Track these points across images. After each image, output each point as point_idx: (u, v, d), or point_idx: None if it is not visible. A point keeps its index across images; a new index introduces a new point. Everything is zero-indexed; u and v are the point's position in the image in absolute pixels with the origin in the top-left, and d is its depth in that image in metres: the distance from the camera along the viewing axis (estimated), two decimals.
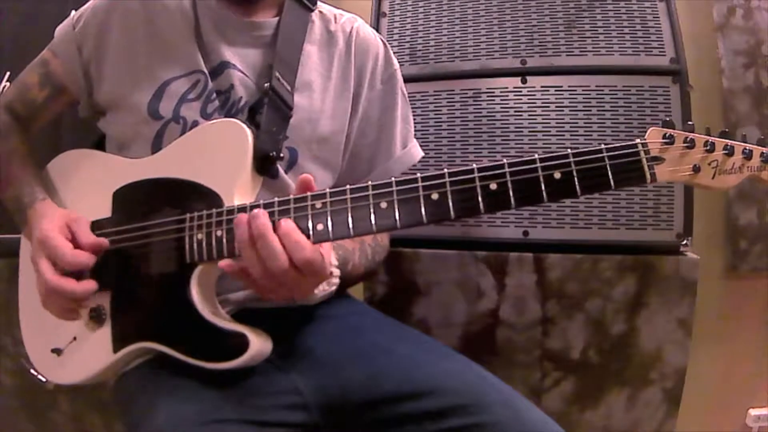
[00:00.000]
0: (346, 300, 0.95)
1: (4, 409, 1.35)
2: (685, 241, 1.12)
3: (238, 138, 0.75)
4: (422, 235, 1.19)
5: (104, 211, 0.80)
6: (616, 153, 0.61)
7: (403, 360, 0.78)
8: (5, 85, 1.26)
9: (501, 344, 1.18)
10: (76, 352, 0.80)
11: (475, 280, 1.17)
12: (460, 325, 1.19)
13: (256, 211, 0.64)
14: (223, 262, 0.66)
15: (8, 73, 1.25)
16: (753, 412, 1.55)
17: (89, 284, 0.74)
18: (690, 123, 0.62)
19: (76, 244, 0.75)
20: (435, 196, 0.63)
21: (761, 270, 1.50)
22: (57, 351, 0.81)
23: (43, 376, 0.84)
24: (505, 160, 0.62)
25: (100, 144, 0.90)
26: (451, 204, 0.62)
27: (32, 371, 0.85)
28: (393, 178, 0.64)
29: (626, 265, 1.13)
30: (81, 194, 0.85)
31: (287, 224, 0.63)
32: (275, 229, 0.63)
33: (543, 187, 0.61)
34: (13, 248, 0.92)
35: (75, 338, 0.80)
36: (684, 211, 1.11)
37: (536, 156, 0.61)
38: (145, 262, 0.75)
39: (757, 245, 1.49)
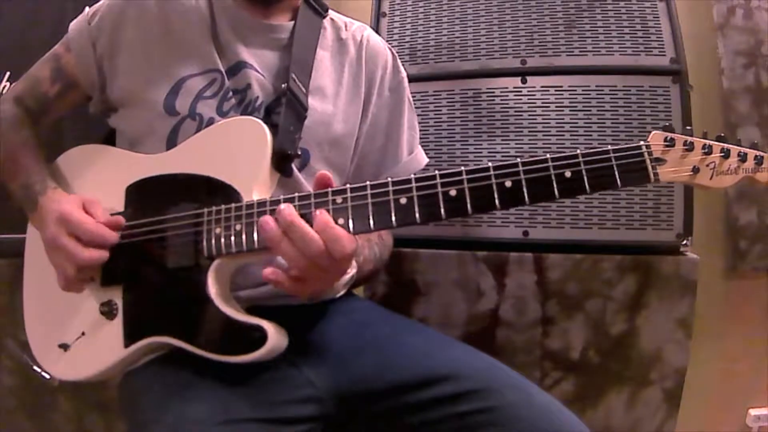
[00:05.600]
0: (352, 297, 0.96)
1: (4, 409, 1.35)
2: (685, 241, 1.12)
3: (257, 136, 0.76)
4: (422, 235, 1.19)
5: (116, 205, 0.81)
6: (622, 154, 0.64)
7: (413, 349, 0.79)
8: (5, 85, 1.26)
9: (501, 344, 1.18)
10: (84, 347, 0.80)
11: (475, 280, 1.18)
12: (460, 325, 1.19)
13: (279, 207, 0.66)
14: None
15: (8, 73, 1.26)
16: (753, 412, 1.56)
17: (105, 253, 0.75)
18: (689, 128, 0.67)
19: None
20: (453, 192, 0.65)
21: (761, 270, 1.50)
22: (64, 346, 0.81)
23: (48, 373, 0.84)
24: (518, 159, 0.65)
25: (106, 141, 0.90)
26: (468, 200, 0.65)
27: (35, 368, 0.85)
28: (412, 175, 0.66)
29: (626, 265, 1.13)
30: (92, 189, 0.85)
31: (323, 216, 0.65)
32: (311, 222, 0.65)
33: (555, 185, 0.64)
34: (15, 248, 0.92)
35: (83, 333, 0.80)
36: (684, 211, 1.11)
37: (548, 155, 0.65)
38: (160, 257, 0.75)
39: (757, 245, 1.49)
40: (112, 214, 0.80)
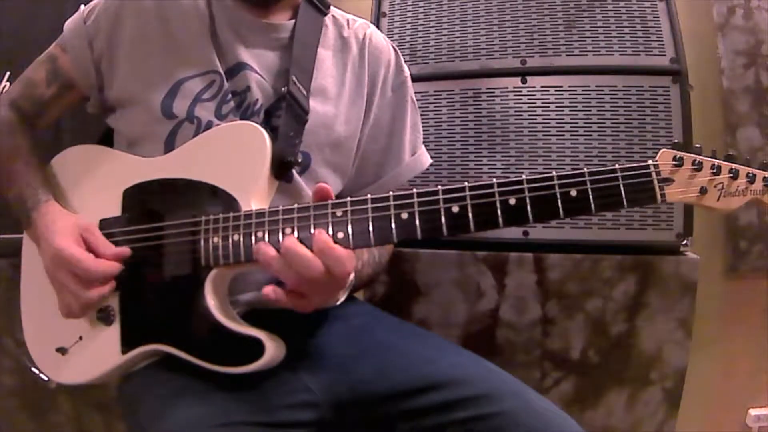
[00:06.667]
0: (351, 302, 0.95)
1: (4, 409, 1.35)
2: (685, 241, 1.12)
3: (256, 142, 0.75)
4: None
5: (113, 209, 0.80)
6: (630, 173, 0.63)
7: (411, 355, 0.78)
8: (5, 85, 1.26)
9: (501, 344, 1.18)
10: (81, 351, 0.80)
11: (475, 280, 1.17)
12: (460, 325, 1.19)
13: (282, 241, 0.65)
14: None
15: (8, 73, 1.25)
16: (753, 412, 1.56)
17: (107, 287, 0.74)
18: (698, 146, 0.65)
19: (97, 255, 0.74)
20: (455, 209, 0.64)
21: (761, 270, 1.50)
22: (62, 350, 0.81)
23: (46, 375, 0.84)
24: (523, 176, 0.64)
25: (104, 141, 0.90)
26: (471, 218, 0.63)
27: (34, 370, 0.85)
28: (414, 190, 0.65)
29: (626, 265, 1.13)
30: (88, 191, 0.84)
31: (321, 236, 0.64)
32: (311, 243, 0.64)
33: (560, 204, 0.62)
34: (14, 248, 0.92)
35: (81, 338, 0.79)
36: (684, 211, 1.11)
37: (554, 173, 0.63)
38: (157, 264, 0.75)
39: (757, 245, 1.49)
40: (109, 218, 0.79)
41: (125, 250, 0.75)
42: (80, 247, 0.74)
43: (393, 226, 0.64)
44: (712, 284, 1.50)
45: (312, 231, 0.65)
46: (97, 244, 0.75)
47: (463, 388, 0.72)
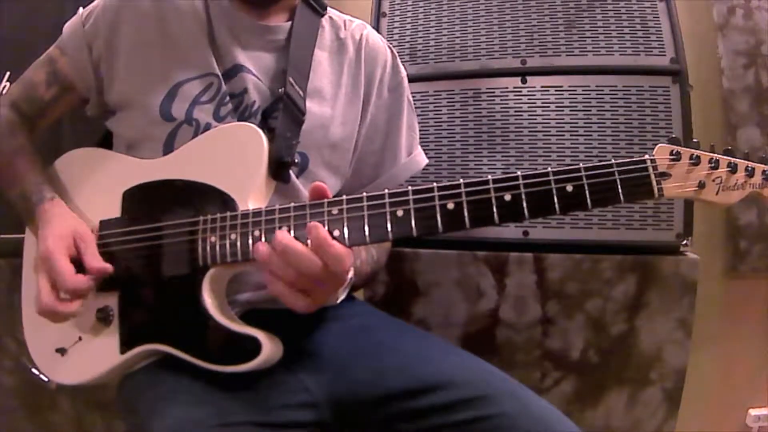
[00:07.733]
0: (350, 302, 0.95)
1: (4, 409, 1.35)
2: (685, 241, 1.12)
3: (253, 143, 0.75)
4: None
5: (113, 210, 0.80)
6: (626, 168, 0.62)
7: (410, 356, 0.78)
8: (5, 85, 1.26)
9: (501, 344, 1.18)
10: (81, 352, 0.80)
11: (475, 280, 1.18)
12: (460, 325, 1.19)
13: (274, 235, 0.64)
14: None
15: (8, 73, 1.26)
16: (753, 412, 1.56)
17: (77, 304, 0.74)
18: (695, 140, 0.64)
19: (80, 264, 0.74)
20: (451, 205, 0.63)
21: (761, 270, 1.50)
22: (61, 350, 0.81)
23: (46, 376, 0.84)
24: (519, 172, 0.63)
25: (103, 143, 0.90)
26: (466, 214, 0.63)
27: (34, 370, 0.85)
28: (410, 187, 0.65)
29: (626, 265, 1.13)
30: (89, 193, 0.85)
31: (319, 232, 0.63)
32: (307, 237, 0.63)
33: (555, 200, 0.62)
34: (14, 248, 0.92)
35: (80, 338, 0.80)
36: (684, 211, 1.11)
37: (549, 169, 0.63)
38: (156, 264, 0.75)
39: (757, 245, 1.49)
40: (109, 219, 0.80)
41: (107, 267, 0.75)
42: (69, 254, 0.74)
43: (388, 223, 0.64)
44: (712, 284, 1.50)
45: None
46: (86, 253, 0.75)
47: (461, 390, 0.72)
